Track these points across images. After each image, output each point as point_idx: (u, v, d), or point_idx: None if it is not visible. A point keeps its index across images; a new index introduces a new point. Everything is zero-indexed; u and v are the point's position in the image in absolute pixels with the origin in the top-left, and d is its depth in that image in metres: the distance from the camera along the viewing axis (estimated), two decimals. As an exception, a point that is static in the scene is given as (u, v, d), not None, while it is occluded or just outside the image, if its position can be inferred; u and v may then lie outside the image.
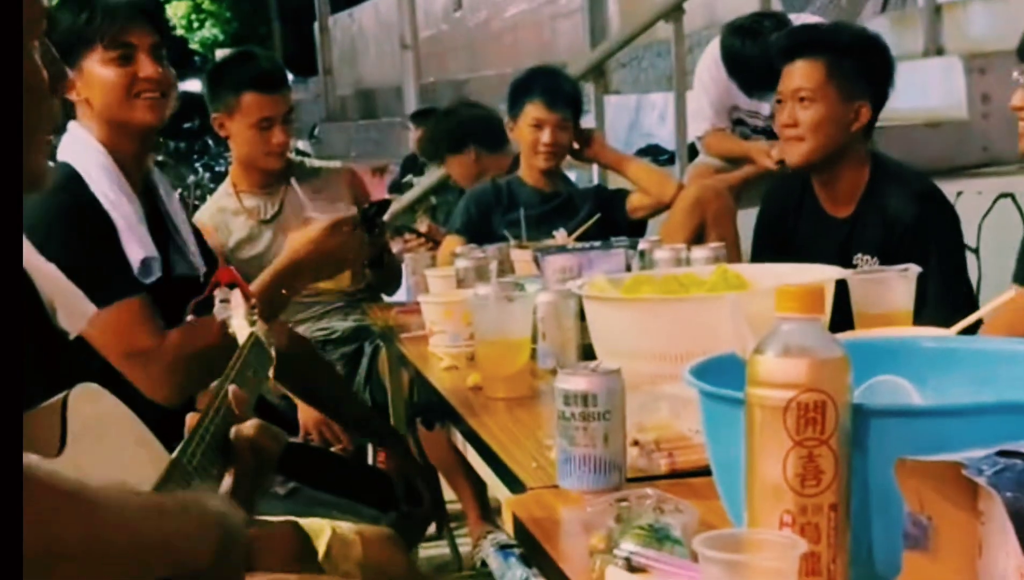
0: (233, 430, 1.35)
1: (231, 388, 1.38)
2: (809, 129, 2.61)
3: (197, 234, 2.34)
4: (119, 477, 1.16)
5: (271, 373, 1.66)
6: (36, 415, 1.15)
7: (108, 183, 2.12)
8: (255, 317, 1.72)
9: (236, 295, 1.77)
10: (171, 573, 1.09)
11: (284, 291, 2.20)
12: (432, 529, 2.96)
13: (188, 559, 1.07)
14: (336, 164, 3.62)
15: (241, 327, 1.69)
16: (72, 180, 2.09)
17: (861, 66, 2.63)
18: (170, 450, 1.28)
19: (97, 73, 2.14)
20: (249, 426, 1.36)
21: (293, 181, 3.07)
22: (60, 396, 1.18)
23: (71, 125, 2.18)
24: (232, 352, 1.54)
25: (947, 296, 1.97)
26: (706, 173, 3.96)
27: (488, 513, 3.37)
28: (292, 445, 2.66)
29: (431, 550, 3.48)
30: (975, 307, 2.45)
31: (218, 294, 1.79)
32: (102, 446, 1.19)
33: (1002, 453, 0.99)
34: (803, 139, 2.63)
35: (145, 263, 2.11)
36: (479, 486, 3.32)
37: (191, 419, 1.35)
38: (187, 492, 1.20)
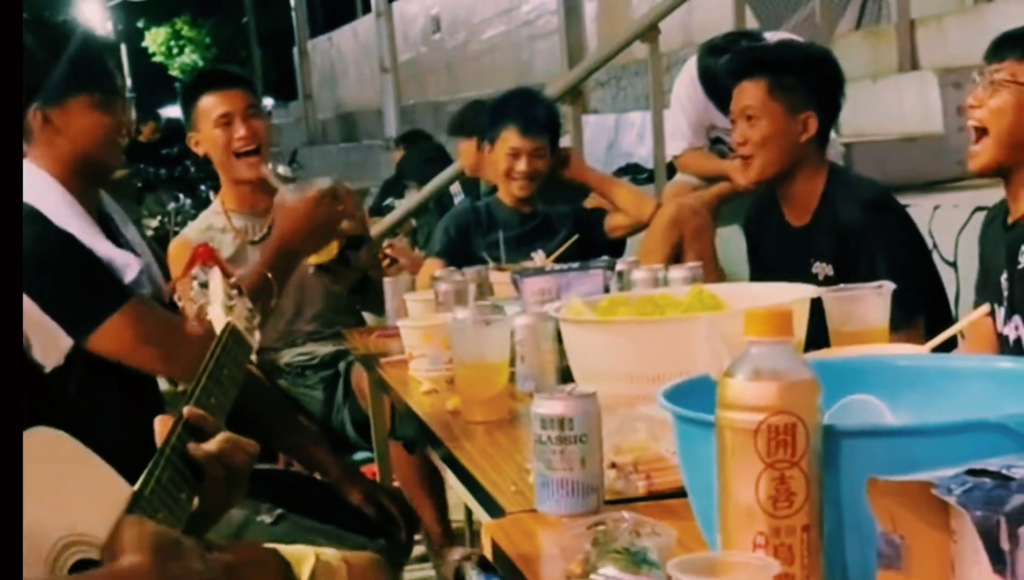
0: (194, 448, 1.34)
1: (186, 410, 1.37)
2: (757, 146, 2.70)
3: (160, 260, 2.36)
4: (81, 522, 1.16)
5: (253, 359, 1.64)
6: None
7: (73, 218, 2.13)
8: (233, 302, 1.69)
9: (215, 276, 1.74)
10: None
11: (272, 275, 2.21)
12: (419, 551, 2.96)
13: None
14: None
15: (218, 316, 1.66)
16: (36, 219, 2.08)
17: (805, 80, 2.72)
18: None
19: (84, 117, 2.15)
20: (214, 442, 1.35)
21: (266, 168, 3.09)
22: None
23: (24, 163, 2.17)
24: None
25: (899, 299, 2.00)
26: (684, 191, 3.98)
27: (450, 534, 3.38)
28: (277, 472, 2.66)
29: (416, 573, 3.47)
30: (939, 313, 2.47)
31: (195, 274, 1.76)
32: (61, 491, 1.17)
33: (971, 472, 1.00)
34: (753, 156, 2.72)
35: (133, 275, 2.13)
36: (442, 508, 3.37)
37: (160, 427, 1.34)
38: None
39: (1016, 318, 2.15)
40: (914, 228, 2.75)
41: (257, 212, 3.31)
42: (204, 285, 1.74)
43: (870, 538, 1.03)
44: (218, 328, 1.62)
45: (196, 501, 1.37)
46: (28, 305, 1.50)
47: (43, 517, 1.09)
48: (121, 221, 2.30)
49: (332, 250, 2.78)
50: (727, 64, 2.98)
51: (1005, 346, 2.24)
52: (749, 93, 2.71)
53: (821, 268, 2.66)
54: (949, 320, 2.59)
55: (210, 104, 3.23)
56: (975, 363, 1.41)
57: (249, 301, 1.75)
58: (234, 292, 1.71)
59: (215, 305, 1.68)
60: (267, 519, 2.20)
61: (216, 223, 3.31)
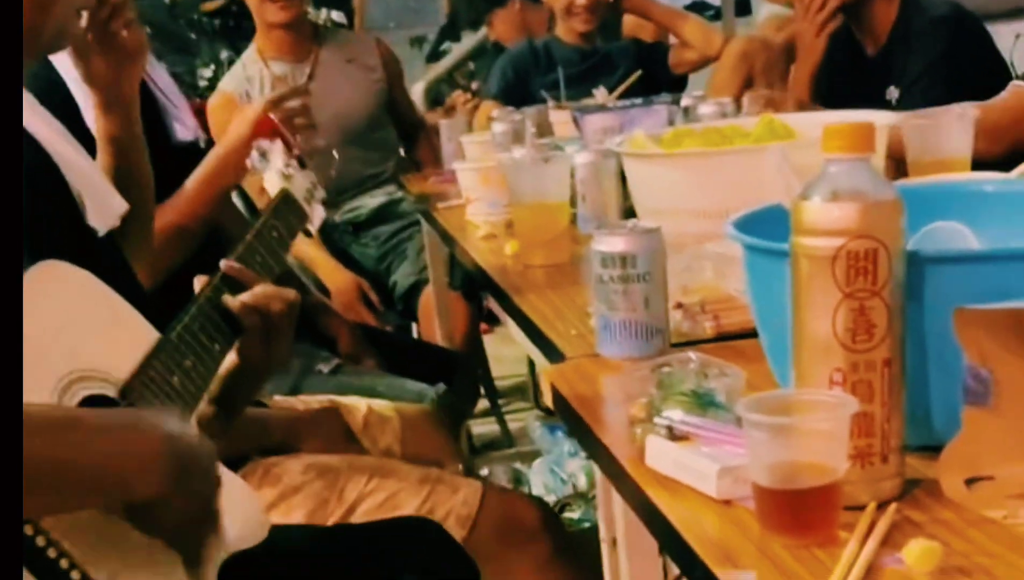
0: (227, 299, 1.28)
1: (223, 263, 1.31)
2: None
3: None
4: (95, 357, 1.11)
5: (311, 229, 1.59)
6: None
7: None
8: (291, 172, 1.64)
9: (276, 147, 1.69)
10: (113, 500, 1.02)
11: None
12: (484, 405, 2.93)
13: (133, 484, 0.99)
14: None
15: (273, 182, 1.62)
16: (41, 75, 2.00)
17: None
18: None
19: None
20: (250, 292, 1.30)
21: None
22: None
23: None
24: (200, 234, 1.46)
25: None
26: (781, 25, 3.81)
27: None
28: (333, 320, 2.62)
29: (481, 427, 3.46)
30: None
31: (257, 145, 1.71)
32: (75, 325, 1.12)
33: (1071, 298, 0.91)
34: None
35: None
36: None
37: (199, 284, 1.29)
38: (137, 411, 1.10)
39: None
40: (991, 46, 2.67)
41: (297, 58, 3.21)
42: (264, 155, 1.69)
43: (956, 373, 0.96)
44: (272, 193, 1.58)
45: (235, 355, 1.32)
46: (85, 165, 1.43)
47: (50, 348, 1.04)
48: (149, 64, 2.20)
49: None
50: None
51: None
52: None
53: (894, 93, 2.56)
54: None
55: None
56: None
57: (312, 175, 1.68)
58: (292, 162, 1.65)
59: (270, 172, 1.64)
60: (324, 369, 2.17)
61: (254, 73, 3.22)
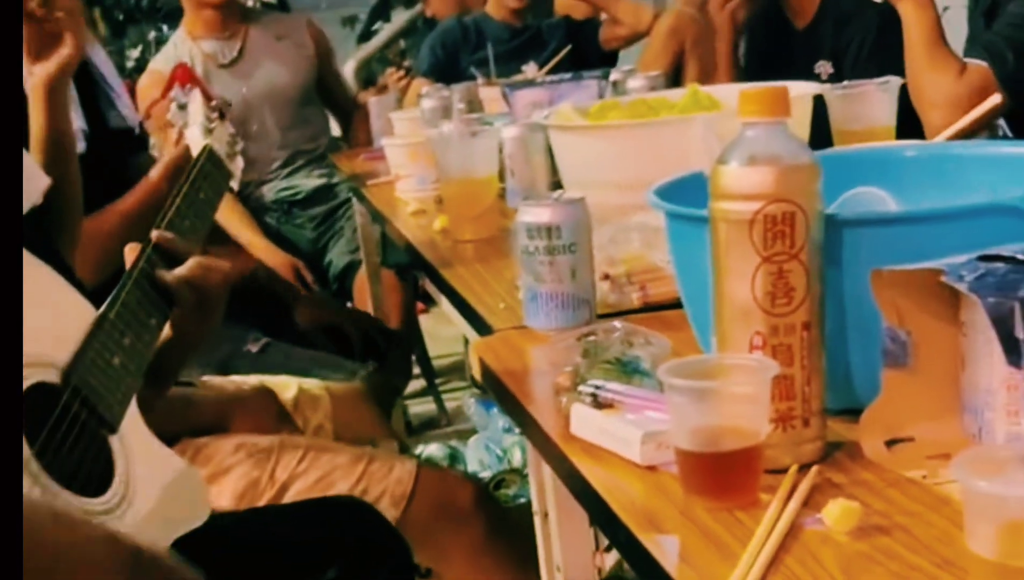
0: (162, 274, 1.26)
1: (154, 234, 1.29)
2: None
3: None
4: (39, 343, 1.08)
5: (234, 186, 1.56)
6: None
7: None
8: (214, 125, 1.60)
9: (195, 98, 1.65)
10: None
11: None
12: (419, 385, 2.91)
13: None
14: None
15: (196, 138, 1.57)
16: None
17: None
18: None
19: None
20: (185, 266, 1.28)
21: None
22: None
23: None
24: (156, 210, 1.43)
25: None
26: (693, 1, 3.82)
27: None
28: (261, 297, 2.60)
29: (418, 406, 3.45)
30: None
31: (174, 96, 1.67)
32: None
33: (983, 258, 0.92)
34: None
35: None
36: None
37: (130, 254, 1.26)
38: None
39: (995, 96, 2.07)
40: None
41: (225, 35, 3.18)
42: (183, 107, 1.64)
43: (874, 335, 0.96)
44: (195, 150, 1.53)
45: (168, 328, 1.30)
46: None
47: None
48: (90, 48, 2.17)
49: None
50: None
51: None
52: None
53: (823, 67, 2.59)
54: None
55: None
56: (986, 149, 1.31)
57: (231, 125, 1.64)
58: (215, 115, 1.61)
59: (193, 127, 1.59)
60: (253, 349, 2.15)
61: (183, 52, 3.18)
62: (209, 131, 1.57)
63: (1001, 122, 2.17)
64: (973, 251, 0.93)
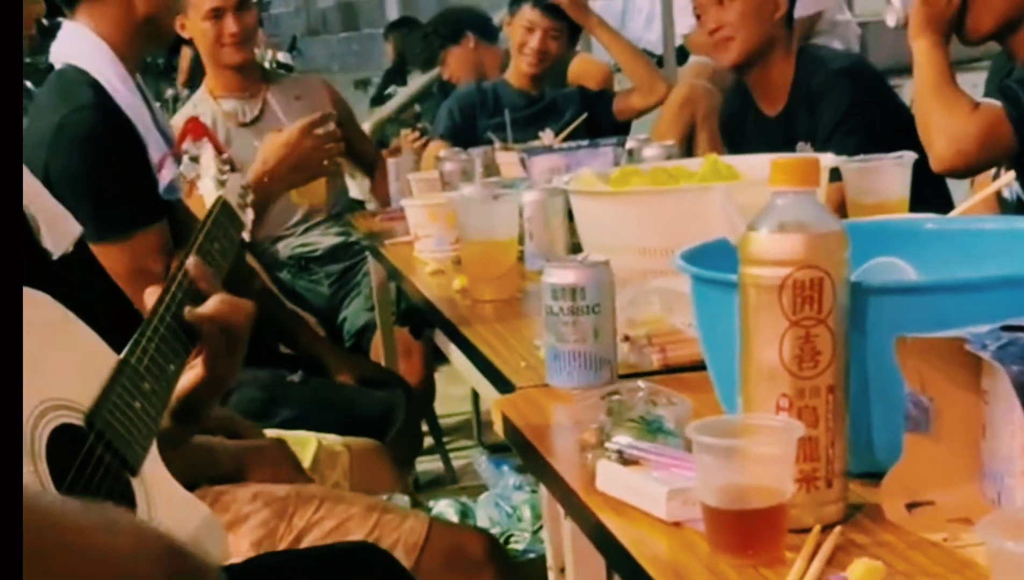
0: (188, 312, 1.28)
1: (190, 262, 1.31)
2: (736, 27, 2.64)
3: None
4: (62, 387, 1.10)
5: (245, 237, 1.58)
6: None
7: (126, 91, 2.05)
8: (226, 176, 1.63)
9: (206, 150, 1.67)
10: None
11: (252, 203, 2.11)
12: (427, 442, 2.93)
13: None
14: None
15: (209, 190, 1.60)
16: (96, 91, 2.02)
17: None
18: None
19: None
20: (209, 304, 1.30)
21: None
22: None
23: (67, 24, 2.08)
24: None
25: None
26: (702, 72, 3.89)
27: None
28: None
29: (425, 464, 3.46)
30: (931, 179, 2.41)
31: (186, 149, 1.70)
32: (40, 354, 1.12)
33: (1006, 328, 0.95)
34: (732, 38, 2.65)
35: (171, 184, 2.07)
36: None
37: (149, 297, 1.29)
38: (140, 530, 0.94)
39: (1008, 174, 2.12)
40: (893, 94, 2.71)
41: (246, 95, 3.24)
42: (195, 159, 1.68)
43: (897, 400, 0.99)
44: (208, 202, 1.56)
45: (194, 368, 1.32)
46: (38, 187, 1.43)
47: (31, 374, 1.04)
48: (151, 100, 2.23)
49: (319, 191, 2.62)
50: None
51: (1004, 206, 2.21)
52: None
53: (804, 148, 2.60)
54: (943, 189, 2.54)
55: None
56: (1004, 224, 1.35)
57: (241, 177, 1.68)
58: (226, 167, 1.64)
59: (206, 179, 1.62)
60: (295, 379, 2.18)
61: (205, 109, 3.24)
62: (221, 183, 1.60)
63: (1007, 188, 2.20)
64: (992, 321, 0.96)
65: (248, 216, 1.61)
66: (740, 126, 2.82)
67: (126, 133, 2.02)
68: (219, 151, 1.66)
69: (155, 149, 2.05)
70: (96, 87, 2.02)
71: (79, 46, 2.06)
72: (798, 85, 2.65)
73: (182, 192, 1.81)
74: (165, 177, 1.95)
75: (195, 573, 0.90)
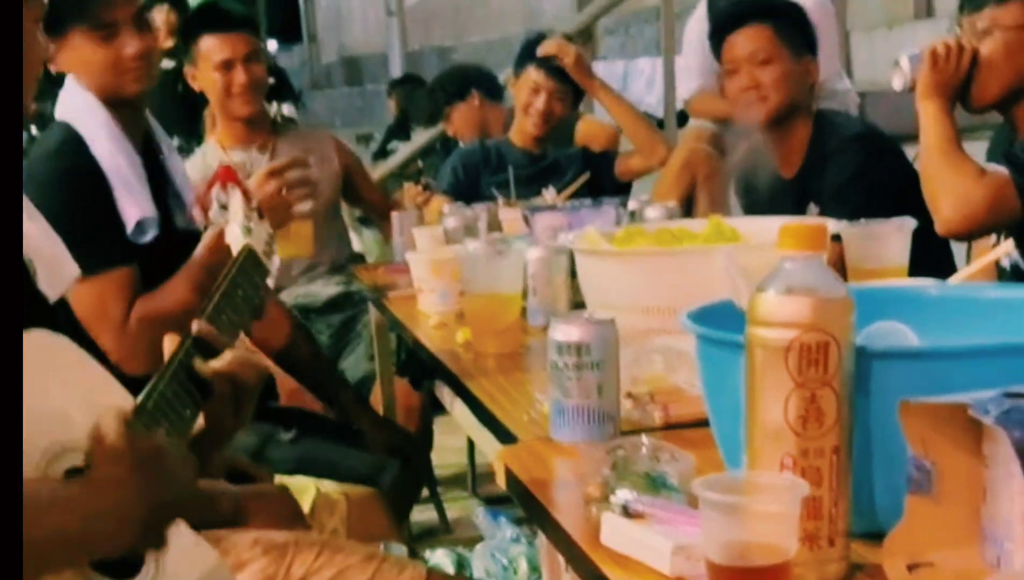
0: (200, 365, 1.30)
1: (195, 325, 1.33)
2: (772, 87, 2.67)
3: None
4: (75, 428, 1.12)
5: (269, 284, 1.60)
6: None
7: (109, 142, 2.10)
8: (252, 224, 1.64)
9: (235, 198, 1.69)
10: (91, 556, 1.06)
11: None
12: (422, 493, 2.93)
13: (108, 540, 1.04)
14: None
15: (236, 237, 1.61)
16: (72, 142, 2.07)
17: (798, 28, 2.75)
18: None
19: (83, 50, 2.10)
20: (223, 359, 1.32)
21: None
22: None
23: (69, 80, 2.13)
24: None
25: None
26: (701, 135, 3.93)
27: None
28: (283, 407, 2.64)
29: (420, 514, 3.46)
30: (937, 245, 2.45)
31: (214, 196, 1.72)
32: (54, 395, 1.14)
33: (1008, 394, 0.97)
34: (767, 98, 2.68)
35: (140, 224, 2.08)
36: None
37: (169, 344, 1.31)
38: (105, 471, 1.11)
39: (1007, 242, 2.15)
40: (905, 160, 2.73)
41: (255, 146, 3.27)
42: (224, 206, 1.70)
43: (900, 463, 1.01)
44: (236, 249, 1.58)
45: (202, 420, 1.34)
46: (35, 230, 1.45)
47: (30, 421, 1.06)
48: (166, 147, 2.26)
49: (303, 242, 2.62)
50: (722, 12, 2.94)
51: (1002, 274, 2.24)
52: (755, 38, 2.70)
53: (813, 211, 2.63)
54: (948, 255, 2.57)
55: (211, 47, 3.17)
56: (1005, 293, 1.38)
57: (268, 226, 1.71)
58: (254, 214, 1.66)
59: (233, 225, 1.64)
60: (286, 437, 2.19)
61: (212, 160, 3.27)
62: (248, 230, 1.62)
63: (1006, 256, 2.23)
64: (993, 387, 0.98)
65: (273, 262, 1.63)
66: (756, 186, 2.85)
67: (92, 180, 2.05)
68: (248, 198, 1.69)
69: (128, 194, 2.08)
70: (71, 137, 2.07)
71: (71, 99, 2.12)
72: (814, 149, 2.69)
73: (210, 238, 1.83)
74: (197, 218, 1.97)
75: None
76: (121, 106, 2.14)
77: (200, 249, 1.90)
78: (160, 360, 1.30)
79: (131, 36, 2.12)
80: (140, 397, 1.23)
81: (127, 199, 2.08)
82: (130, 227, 2.08)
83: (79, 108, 2.11)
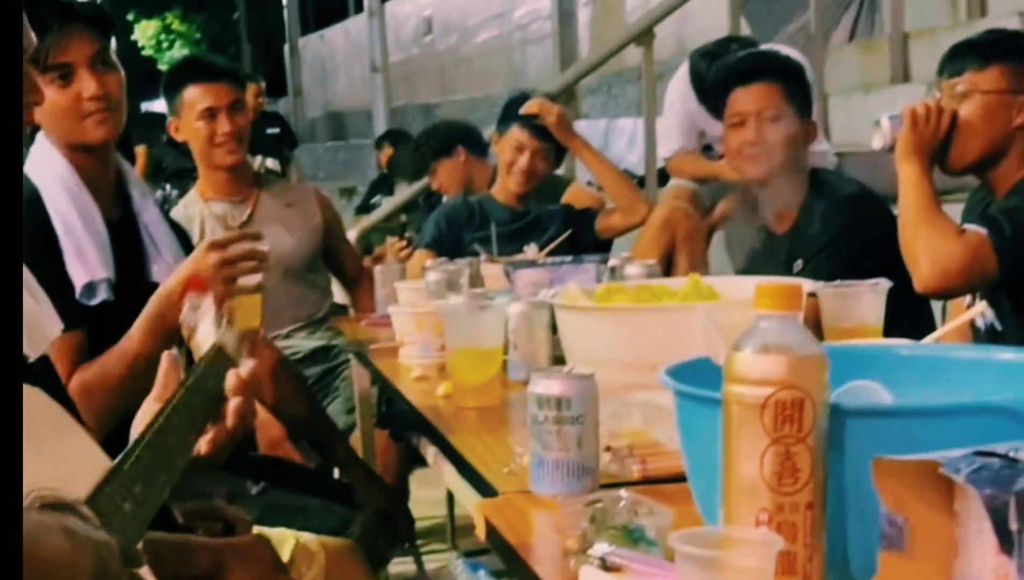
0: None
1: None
2: (779, 145, 2.71)
3: (184, 238, 2.31)
4: (51, 480, 1.13)
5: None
6: None
7: (65, 198, 2.07)
8: (223, 325, 1.68)
9: (207, 301, 1.74)
10: None
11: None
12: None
13: None
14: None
15: (206, 335, 1.66)
16: (28, 201, 2.04)
17: (802, 90, 2.81)
18: None
19: (46, 95, 2.11)
20: (203, 442, 1.35)
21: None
22: None
23: (39, 137, 2.13)
24: (152, 373, 1.50)
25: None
26: (682, 194, 3.98)
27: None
28: (260, 457, 2.64)
29: (398, 566, 3.45)
30: (915, 307, 2.49)
31: (189, 300, 1.76)
32: (34, 448, 1.15)
33: (979, 453, 0.99)
34: (771, 154, 2.71)
35: (89, 286, 2.06)
36: None
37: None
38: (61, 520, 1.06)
39: (980, 304, 2.19)
40: (891, 221, 2.76)
41: (237, 198, 3.29)
42: (196, 308, 1.74)
43: (873, 519, 1.02)
44: (205, 347, 1.61)
45: None
46: (27, 285, 1.46)
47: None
48: (141, 198, 2.23)
49: (250, 314, 2.62)
50: (733, 65, 2.97)
51: (977, 334, 2.27)
52: (765, 94, 2.72)
53: (799, 265, 2.66)
54: (928, 314, 2.60)
55: (195, 96, 3.20)
56: (976, 354, 1.40)
57: (236, 333, 1.73)
58: (224, 320, 1.70)
59: (204, 324, 1.68)
60: (253, 490, 2.18)
61: (193, 211, 3.29)
62: (219, 329, 1.66)
63: (980, 317, 2.26)
64: (965, 446, 1.01)
65: (246, 366, 1.65)
66: (745, 242, 2.87)
67: (40, 242, 2.02)
68: (219, 303, 1.72)
69: (77, 256, 2.06)
70: (28, 196, 2.04)
71: (36, 152, 2.10)
72: (807, 207, 2.72)
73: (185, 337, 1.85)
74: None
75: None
76: (87, 153, 2.12)
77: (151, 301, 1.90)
78: (103, 427, 1.31)
79: (89, 78, 2.09)
80: (118, 459, 1.24)
81: (75, 261, 2.06)
82: (78, 290, 2.05)
83: (40, 161, 2.09)
